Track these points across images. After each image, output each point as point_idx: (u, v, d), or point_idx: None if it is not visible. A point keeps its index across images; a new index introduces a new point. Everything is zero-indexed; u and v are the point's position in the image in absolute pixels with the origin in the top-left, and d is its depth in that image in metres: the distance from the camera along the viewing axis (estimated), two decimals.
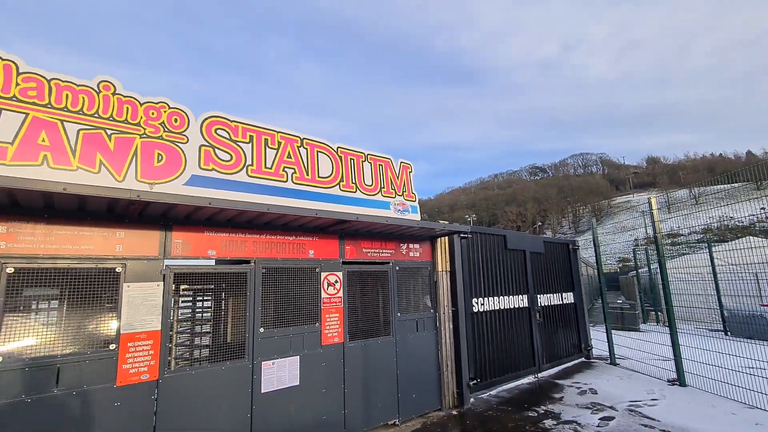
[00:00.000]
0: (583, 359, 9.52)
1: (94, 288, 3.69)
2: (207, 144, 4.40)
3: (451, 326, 6.66)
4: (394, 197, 6.15)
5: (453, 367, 6.55)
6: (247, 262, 4.67)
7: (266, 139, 4.86)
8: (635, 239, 54.45)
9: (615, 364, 8.85)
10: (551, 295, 9.12)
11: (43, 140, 3.38)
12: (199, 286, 5.05)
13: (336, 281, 5.39)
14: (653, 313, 15.62)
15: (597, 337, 10.28)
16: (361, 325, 5.65)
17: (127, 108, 3.92)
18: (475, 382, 6.73)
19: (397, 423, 5.67)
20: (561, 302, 9.31)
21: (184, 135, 4.25)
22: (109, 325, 3.73)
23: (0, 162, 3.16)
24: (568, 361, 9.08)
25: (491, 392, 7.12)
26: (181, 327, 5.42)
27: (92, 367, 3.57)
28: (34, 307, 3.99)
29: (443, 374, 6.39)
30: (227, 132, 4.59)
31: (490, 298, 7.53)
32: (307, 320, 5.02)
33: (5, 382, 3.21)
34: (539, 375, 8.22)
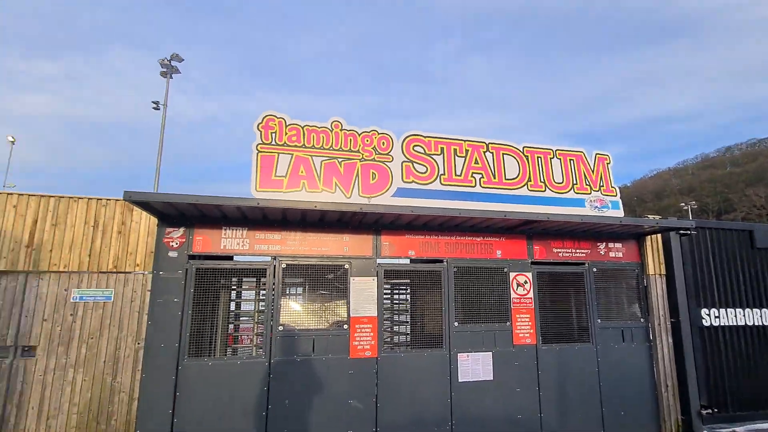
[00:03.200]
0: None
1: (331, 280, 4.82)
2: (407, 160, 5.13)
3: (671, 340, 5.66)
4: (589, 193, 5.64)
5: (675, 389, 5.55)
6: (440, 261, 5.17)
7: (455, 149, 5.29)
8: None
9: None
10: None
11: (302, 172, 4.68)
12: (401, 281, 5.88)
13: (525, 282, 5.36)
14: None
15: None
16: (554, 329, 5.45)
17: (350, 139, 4.98)
18: (708, 411, 5.51)
19: None
20: None
21: (390, 155, 5.09)
22: (343, 310, 4.81)
23: (279, 190, 4.56)
24: None
25: (736, 429, 5.67)
26: (386, 315, 6.42)
27: (334, 341, 4.67)
28: (295, 292, 5.48)
29: (661, 395, 5.49)
30: (422, 147, 5.22)
31: (730, 310, 6.04)
32: (497, 318, 5.19)
33: (284, 344, 4.56)
34: None
